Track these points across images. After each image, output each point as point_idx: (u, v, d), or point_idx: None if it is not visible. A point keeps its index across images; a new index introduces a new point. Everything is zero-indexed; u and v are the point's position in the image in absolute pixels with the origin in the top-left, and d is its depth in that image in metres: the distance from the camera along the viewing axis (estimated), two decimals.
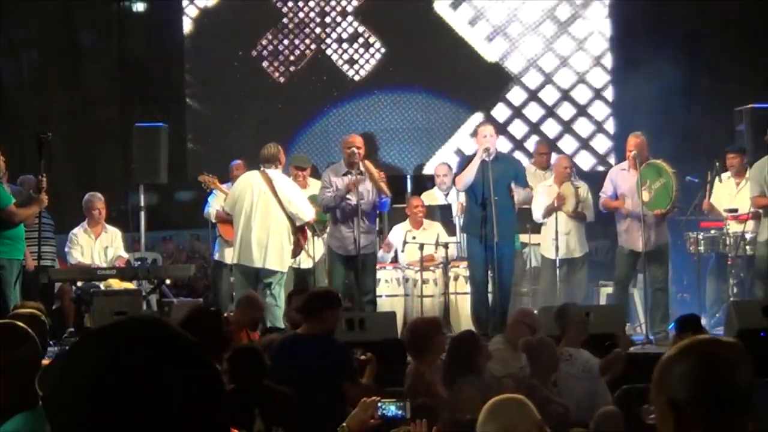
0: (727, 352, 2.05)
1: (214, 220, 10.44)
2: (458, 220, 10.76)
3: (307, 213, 9.18)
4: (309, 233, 9.45)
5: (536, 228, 10.53)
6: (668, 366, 2.03)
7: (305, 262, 9.67)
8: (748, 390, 2.00)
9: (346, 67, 13.73)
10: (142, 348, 1.29)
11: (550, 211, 10.26)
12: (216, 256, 10.56)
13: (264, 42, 13.62)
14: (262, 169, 9.27)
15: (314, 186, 9.98)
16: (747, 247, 9.69)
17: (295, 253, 9.31)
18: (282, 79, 13.62)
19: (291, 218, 9.12)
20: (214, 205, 10.40)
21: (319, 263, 9.87)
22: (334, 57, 13.68)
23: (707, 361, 2.02)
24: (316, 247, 9.78)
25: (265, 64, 13.59)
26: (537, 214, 10.30)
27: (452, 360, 6.27)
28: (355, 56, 13.81)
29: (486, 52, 13.72)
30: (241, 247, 9.16)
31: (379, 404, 3.76)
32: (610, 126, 13.78)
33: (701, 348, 2.06)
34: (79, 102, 14.06)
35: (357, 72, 13.74)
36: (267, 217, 9.06)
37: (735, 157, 10.09)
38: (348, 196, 9.25)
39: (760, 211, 9.51)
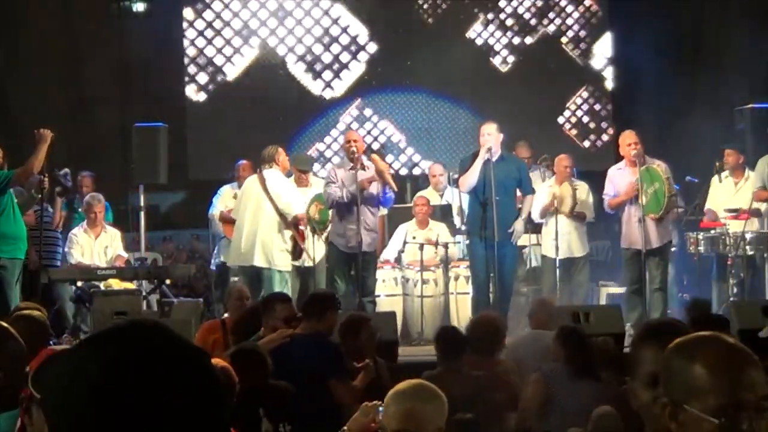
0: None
1: (218, 221, 10.52)
2: (458, 220, 10.76)
3: (295, 207, 9.22)
4: (308, 233, 9.44)
5: (537, 228, 10.52)
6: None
7: (307, 262, 9.65)
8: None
9: (321, 78, 13.74)
10: (143, 351, 1.29)
11: (545, 212, 10.25)
12: (221, 258, 10.58)
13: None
14: (259, 170, 9.37)
15: (317, 185, 9.99)
16: (747, 247, 9.69)
17: (296, 255, 9.33)
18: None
19: (283, 216, 9.16)
20: (218, 206, 10.47)
21: (319, 264, 9.86)
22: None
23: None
24: (317, 248, 9.78)
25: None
26: (535, 214, 10.27)
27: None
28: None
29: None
30: (233, 248, 9.39)
31: (380, 408, 3.74)
32: (610, 126, 13.80)
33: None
34: (79, 102, 14.05)
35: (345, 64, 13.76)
36: (257, 215, 9.18)
37: (731, 154, 10.07)
38: (353, 191, 9.21)
39: (761, 208, 9.51)
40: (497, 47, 14.04)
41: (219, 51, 13.69)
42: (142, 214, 11.09)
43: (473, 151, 9.45)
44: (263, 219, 9.16)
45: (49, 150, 8.46)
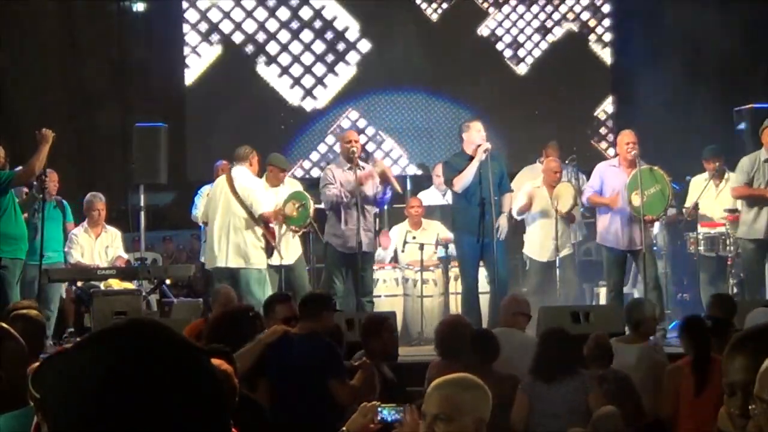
0: None
1: (201, 222, 10.42)
2: None
3: (260, 205, 9.11)
4: (277, 231, 9.35)
5: (522, 228, 10.40)
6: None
7: (285, 259, 9.52)
8: None
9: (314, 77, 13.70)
10: (143, 351, 1.30)
11: (522, 211, 10.13)
12: (203, 259, 10.55)
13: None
14: (228, 170, 9.31)
15: (291, 185, 9.90)
16: None
17: (268, 253, 9.27)
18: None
19: (251, 213, 9.09)
20: (201, 207, 10.36)
21: (298, 262, 9.78)
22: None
23: None
24: (293, 246, 9.71)
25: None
26: (514, 211, 9.99)
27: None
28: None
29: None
30: (207, 250, 9.32)
31: (379, 409, 3.74)
32: (610, 127, 13.79)
33: None
34: (79, 102, 14.06)
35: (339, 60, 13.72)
36: (226, 215, 9.11)
37: (708, 162, 10.10)
38: (352, 192, 9.18)
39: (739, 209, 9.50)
40: (514, 46, 13.38)
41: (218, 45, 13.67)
42: (142, 214, 11.10)
43: (458, 151, 9.41)
44: (232, 218, 9.09)
45: (50, 150, 8.48)
